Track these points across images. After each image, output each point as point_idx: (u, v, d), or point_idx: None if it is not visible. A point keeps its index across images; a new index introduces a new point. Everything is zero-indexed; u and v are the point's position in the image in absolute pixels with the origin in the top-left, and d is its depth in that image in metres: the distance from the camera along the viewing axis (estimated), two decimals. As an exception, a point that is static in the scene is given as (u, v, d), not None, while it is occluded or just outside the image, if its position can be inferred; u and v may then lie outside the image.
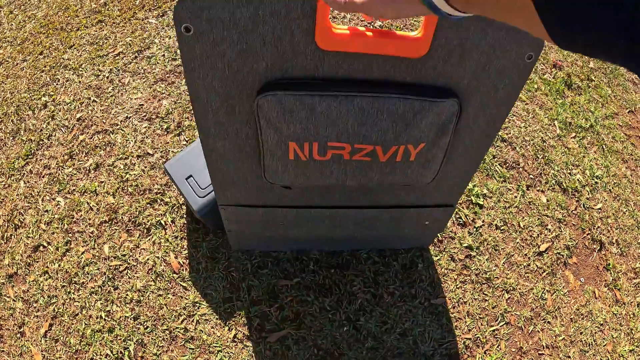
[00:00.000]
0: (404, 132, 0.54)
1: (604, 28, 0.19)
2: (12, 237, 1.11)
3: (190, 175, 0.91)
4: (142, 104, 1.28)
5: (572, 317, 1.09)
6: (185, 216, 1.08)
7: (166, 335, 0.96)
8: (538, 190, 1.29)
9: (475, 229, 1.15)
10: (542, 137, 1.40)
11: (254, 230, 0.90)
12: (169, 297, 1.00)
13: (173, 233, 1.06)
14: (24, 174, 1.22)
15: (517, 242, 1.17)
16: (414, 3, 0.28)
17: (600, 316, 1.10)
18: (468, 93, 0.56)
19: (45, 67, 1.45)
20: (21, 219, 1.13)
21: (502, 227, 1.18)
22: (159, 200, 1.11)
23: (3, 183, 1.20)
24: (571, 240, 1.25)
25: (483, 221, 1.16)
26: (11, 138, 1.29)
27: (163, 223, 1.08)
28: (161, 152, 1.18)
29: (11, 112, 1.34)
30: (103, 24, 1.51)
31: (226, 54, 0.49)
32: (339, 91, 0.50)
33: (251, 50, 0.48)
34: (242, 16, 0.45)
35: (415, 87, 0.53)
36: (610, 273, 1.25)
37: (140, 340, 0.95)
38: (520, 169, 1.32)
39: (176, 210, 1.09)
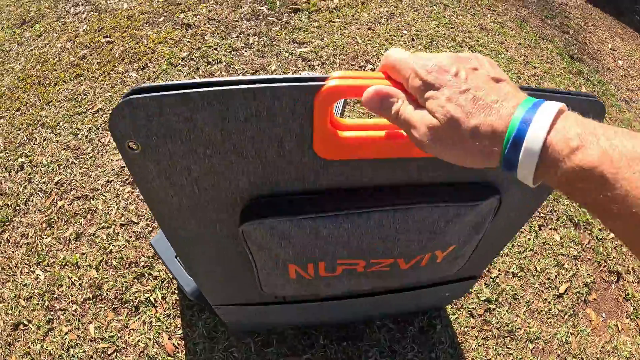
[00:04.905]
0: (432, 241, 0.43)
1: None
2: (-12, 318, 1.01)
3: (180, 251, 0.82)
4: (124, 167, 1.20)
5: (598, 355, 1.05)
6: (177, 292, 0.99)
7: None
8: (550, 229, 1.24)
9: (491, 280, 1.08)
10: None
11: (254, 320, 0.81)
12: (163, 386, 0.89)
13: (165, 311, 0.97)
14: (1, 242, 1.14)
15: (536, 288, 1.11)
16: (491, 161, 0.24)
17: (625, 349, 1.06)
18: (509, 182, 0.44)
19: (22, 124, 1.37)
20: (-3, 296, 1.03)
21: (519, 274, 1.11)
22: (146, 275, 1.01)
23: (-25, 260, 1.10)
24: (589, 276, 1.20)
25: (499, 270, 1.10)
26: (-16, 207, 1.20)
27: (153, 300, 0.98)
28: (146, 219, 1.10)
29: (-16, 178, 1.25)
30: (82, 78, 1.44)
31: (192, 171, 0.36)
32: (349, 208, 0.38)
33: (225, 164, 0.36)
34: (205, 124, 0.32)
35: (449, 190, 0.41)
36: (630, 303, 1.21)
37: None
38: (530, 207, 1.27)
39: (166, 285, 1.00)
